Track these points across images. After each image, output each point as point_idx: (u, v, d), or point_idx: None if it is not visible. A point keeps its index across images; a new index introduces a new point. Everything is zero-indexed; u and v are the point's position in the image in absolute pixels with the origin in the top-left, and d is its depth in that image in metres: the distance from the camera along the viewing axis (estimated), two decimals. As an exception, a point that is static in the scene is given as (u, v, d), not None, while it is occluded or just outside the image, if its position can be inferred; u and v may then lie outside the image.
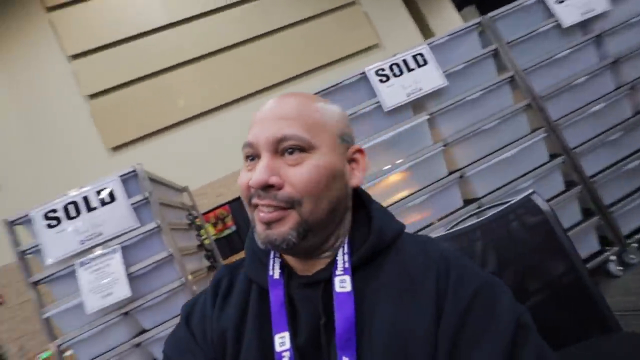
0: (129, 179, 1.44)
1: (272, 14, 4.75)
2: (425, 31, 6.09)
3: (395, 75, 1.55)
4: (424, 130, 1.57)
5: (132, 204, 1.40)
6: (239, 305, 0.47)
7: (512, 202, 0.89)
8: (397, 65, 1.58)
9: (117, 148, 4.47)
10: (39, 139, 4.24)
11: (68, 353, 1.37)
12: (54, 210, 1.34)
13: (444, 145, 1.56)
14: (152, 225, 1.39)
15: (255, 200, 0.43)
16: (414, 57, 1.58)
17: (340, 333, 0.40)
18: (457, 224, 0.97)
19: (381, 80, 1.54)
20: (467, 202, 1.61)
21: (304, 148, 0.42)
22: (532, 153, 1.59)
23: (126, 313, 1.35)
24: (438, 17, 6.03)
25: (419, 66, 1.57)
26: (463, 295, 0.40)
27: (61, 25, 4.24)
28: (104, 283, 1.31)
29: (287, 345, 0.41)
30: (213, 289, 0.51)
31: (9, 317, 4.88)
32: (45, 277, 1.31)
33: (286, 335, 0.42)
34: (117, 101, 4.45)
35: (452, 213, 1.55)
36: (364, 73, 1.56)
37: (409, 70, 1.57)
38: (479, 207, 1.52)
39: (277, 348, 0.42)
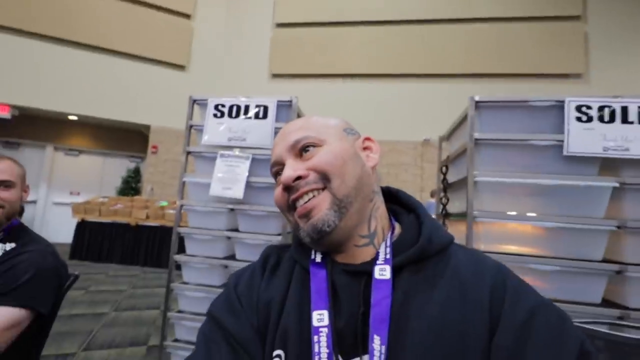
0: (283, 106, 1.60)
1: (471, 1, 4.31)
2: (658, 82, 4.68)
3: (601, 121, 1.25)
4: (602, 199, 1.25)
5: (276, 127, 1.56)
6: (285, 279, 0.51)
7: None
8: (610, 108, 1.26)
9: (276, 76, 5.03)
10: (230, 44, 5.06)
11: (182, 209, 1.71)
12: (223, 105, 1.60)
13: (618, 227, 1.22)
14: (282, 152, 1.54)
15: (292, 197, 0.49)
16: (641, 108, 1.22)
17: (376, 314, 0.42)
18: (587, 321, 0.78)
19: (579, 119, 1.26)
20: (608, 303, 1.27)
21: (315, 144, 0.50)
22: None
23: (232, 209, 1.58)
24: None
25: (642, 122, 1.21)
26: (521, 309, 0.41)
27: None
28: (229, 178, 1.54)
29: (326, 322, 0.43)
30: (262, 263, 0.54)
31: (154, 164, 6.37)
32: (197, 152, 1.62)
33: (325, 313, 0.44)
34: (294, 36, 4.90)
35: (579, 304, 1.25)
36: (562, 102, 1.30)
37: (625, 122, 1.23)
38: (620, 318, 1.19)
39: (315, 323, 0.43)
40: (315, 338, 0.43)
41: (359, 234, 0.49)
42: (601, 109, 1.26)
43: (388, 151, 4.47)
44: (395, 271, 0.46)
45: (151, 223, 5.13)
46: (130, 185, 6.44)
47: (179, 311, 1.60)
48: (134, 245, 5.12)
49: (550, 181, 1.27)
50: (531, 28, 4.26)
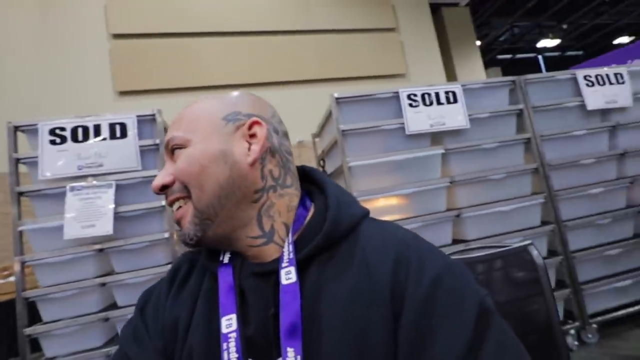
0: (143, 122, 1.43)
1: (314, 14, 4.83)
2: (450, 74, 6.28)
3: (425, 104, 1.61)
4: (436, 163, 1.62)
5: (140, 146, 1.39)
6: (193, 293, 0.47)
7: (508, 247, 0.94)
8: (429, 95, 1.64)
9: (124, 93, 4.40)
10: (55, 58, 4.13)
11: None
12: (63, 129, 1.32)
13: (450, 182, 1.61)
14: (154, 172, 1.38)
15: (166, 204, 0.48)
16: (446, 93, 1.65)
17: (285, 324, 0.39)
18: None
19: (410, 105, 1.60)
20: (455, 242, 1.66)
21: (181, 144, 0.45)
22: (527, 214, 1.66)
23: (101, 250, 1.32)
24: (465, 65, 6.25)
25: (449, 103, 1.63)
26: (425, 280, 0.39)
27: (110, -42, 4.19)
28: (89, 214, 1.28)
29: (234, 327, 0.41)
30: (169, 277, 0.50)
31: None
32: (33, 190, 1.28)
33: (233, 317, 0.41)
34: (139, 48, 4.40)
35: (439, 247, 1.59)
36: (397, 92, 1.61)
37: (439, 103, 1.63)
38: (465, 248, 1.57)
39: (224, 330, 0.41)
40: (224, 345, 0.40)
41: (247, 236, 0.45)
42: (423, 95, 1.63)
43: (266, 158, 4.55)
44: (304, 265, 0.43)
45: (-33, 306, 3.71)
46: None
47: (47, 397, 1.24)
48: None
49: (401, 156, 1.56)
50: (364, 38, 4.99)
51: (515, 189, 1.69)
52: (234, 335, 0.40)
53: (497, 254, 0.95)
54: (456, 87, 1.66)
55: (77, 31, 4.27)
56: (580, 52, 8.99)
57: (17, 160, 1.30)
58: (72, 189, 1.30)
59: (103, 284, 1.32)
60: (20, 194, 1.29)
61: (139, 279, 1.34)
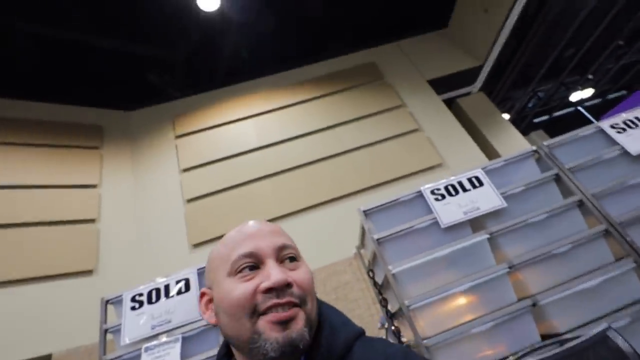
0: (203, 273, 1.64)
1: (344, 138, 5.52)
2: (490, 152, 6.26)
3: (450, 195, 1.64)
4: (485, 250, 1.53)
5: (201, 296, 1.55)
6: None
7: (582, 339, 0.79)
8: (453, 186, 1.68)
9: (197, 245, 5.04)
10: (140, 228, 5.05)
11: None
12: (141, 294, 1.56)
13: (510, 267, 1.47)
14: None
15: (273, 301, 0.46)
16: (469, 179, 1.68)
17: None
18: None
19: (436, 199, 1.64)
20: (545, 337, 1.39)
21: (297, 257, 0.52)
22: (623, 286, 1.38)
23: (170, 412, 1.35)
24: (502, 139, 6.25)
25: (474, 187, 1.64)
26: None
27: (182, 148, 5.51)
28: (160, 373, 1.37)
29: None
30: None
31: (61, 406, 4.91)
32: (115, 358, 1.44)
33: None
34: (207, 205, 5.25)
35: (532, 351, 1.34)
36: (420, 191, 1.69)
37: (465, 190, 1.65)
38: (560, 344, 1.30)
39: None
40: None
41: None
42: (446, 187, 1.68)
43: (328, 276, 4.53)
44: None
45: None
46: None
47: None
48: None
49: (444, 251, 1.51)
50: (393, 144, 5.43)
51: (592, 259, 1.47)
52: None
53: (566, 353, 0.80)
54: (477, 172, 1.70)
55: (159, 206, 5.28)
56: (623, 92, 8.59)
57: (106, 331, 1.52)
58: (146, 349, 1.44)
59: None
60: (106, 362, 1.45)
61: None
